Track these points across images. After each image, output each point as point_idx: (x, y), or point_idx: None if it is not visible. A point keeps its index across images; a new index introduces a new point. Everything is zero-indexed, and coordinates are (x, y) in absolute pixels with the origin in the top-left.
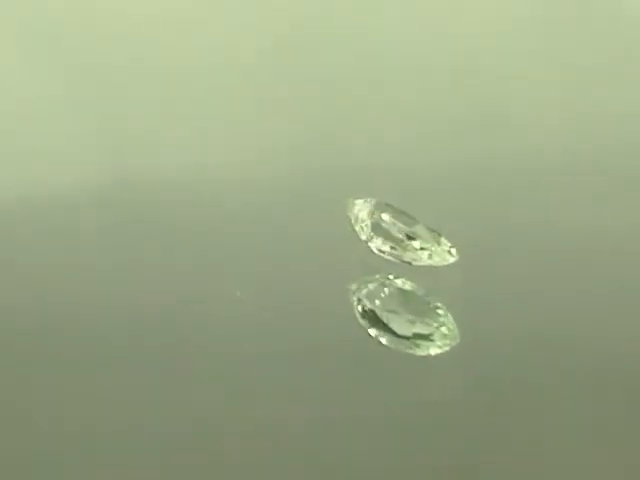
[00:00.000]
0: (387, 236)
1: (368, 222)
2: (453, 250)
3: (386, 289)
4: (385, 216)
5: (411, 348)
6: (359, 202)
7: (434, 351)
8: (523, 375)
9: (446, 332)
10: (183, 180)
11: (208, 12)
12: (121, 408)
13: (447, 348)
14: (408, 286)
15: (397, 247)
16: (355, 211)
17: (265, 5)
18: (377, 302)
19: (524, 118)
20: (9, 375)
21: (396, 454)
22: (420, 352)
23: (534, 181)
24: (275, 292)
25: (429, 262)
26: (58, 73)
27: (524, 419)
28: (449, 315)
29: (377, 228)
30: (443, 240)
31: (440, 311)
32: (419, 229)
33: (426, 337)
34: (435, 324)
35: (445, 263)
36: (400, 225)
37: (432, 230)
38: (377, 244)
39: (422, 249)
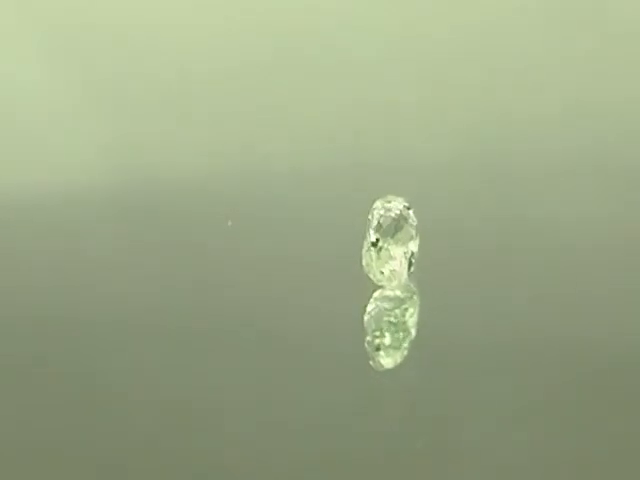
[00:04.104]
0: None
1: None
2: (391, 278)
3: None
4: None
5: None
6: (380, 201)
7: (379, 366)
8: (523, 377)
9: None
10: (190, 179)
11: (213, 14)
12: (120, 408)
13: (388, 363)
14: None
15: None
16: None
17: (271, 7)
18: (375, 304)
19: (526, 117)
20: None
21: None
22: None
23: (537, 180)
24: (283, 291)
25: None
26: (69, 74)
27: (522, 420)
28: (409, 338)
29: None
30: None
31: (409, 329)
32: (385, 244)
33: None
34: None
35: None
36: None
37: (390, 252)
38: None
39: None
